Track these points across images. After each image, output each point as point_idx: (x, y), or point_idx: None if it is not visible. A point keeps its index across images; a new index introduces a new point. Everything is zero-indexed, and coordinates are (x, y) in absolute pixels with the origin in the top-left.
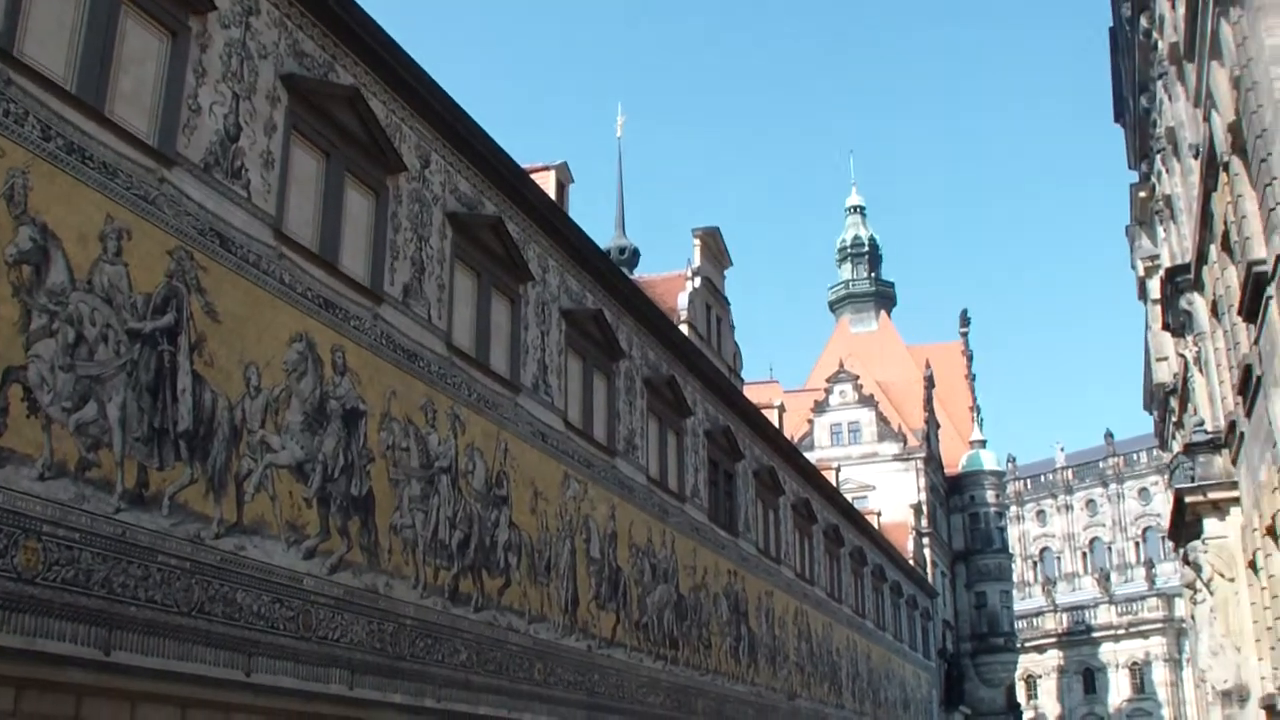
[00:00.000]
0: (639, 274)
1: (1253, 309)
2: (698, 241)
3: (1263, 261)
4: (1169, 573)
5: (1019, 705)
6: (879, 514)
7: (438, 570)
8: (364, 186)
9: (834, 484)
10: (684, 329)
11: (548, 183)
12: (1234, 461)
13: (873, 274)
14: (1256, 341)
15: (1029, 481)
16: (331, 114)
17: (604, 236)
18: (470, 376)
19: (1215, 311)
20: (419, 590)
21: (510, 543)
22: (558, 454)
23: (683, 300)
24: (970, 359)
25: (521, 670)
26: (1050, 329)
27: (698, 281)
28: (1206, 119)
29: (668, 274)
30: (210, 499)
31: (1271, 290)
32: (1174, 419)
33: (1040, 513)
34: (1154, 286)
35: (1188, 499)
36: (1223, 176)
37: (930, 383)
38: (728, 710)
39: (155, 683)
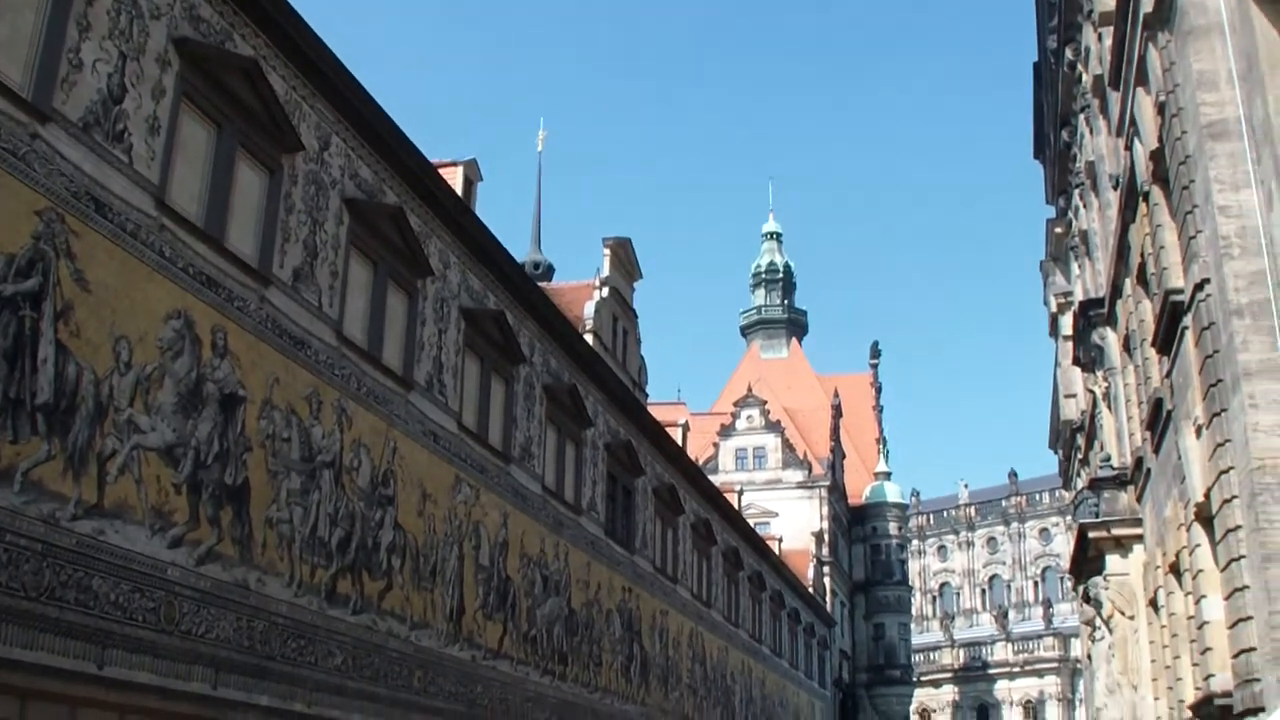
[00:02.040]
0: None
1: (1167, 340)
2: (608, 251)
3: (1180, 291)
4: (1066, 613)
5: None
6: (780, 540)
7: (315, 568)
8: (257, 163)
9: (736, 508)
10: (589, 339)
11: (455, 178)
12: (1139, 499)
13: (786, 301)
14: (1169, 375)
15: (932, 516)
16: (226, 84)
17: (519, 249)
18: (360, 369)
19: (1127, 347)
20: (293, 588)
21: (394, 544)
22: (449, 456)
23: (589, 309)
24: (879, 391)
25: (400, 678)
26: (960, 365)
27: (605, 291)
28: (1129, 147)
29: (576, 282)
30: (69, 478)
31: (1188, 321)
32: (1079, 456)
33: (941, 548)
34: (1066, 322)
35: (1091, 534)
36: (1142, 207)
37: (838, 412)
38: None
39: None
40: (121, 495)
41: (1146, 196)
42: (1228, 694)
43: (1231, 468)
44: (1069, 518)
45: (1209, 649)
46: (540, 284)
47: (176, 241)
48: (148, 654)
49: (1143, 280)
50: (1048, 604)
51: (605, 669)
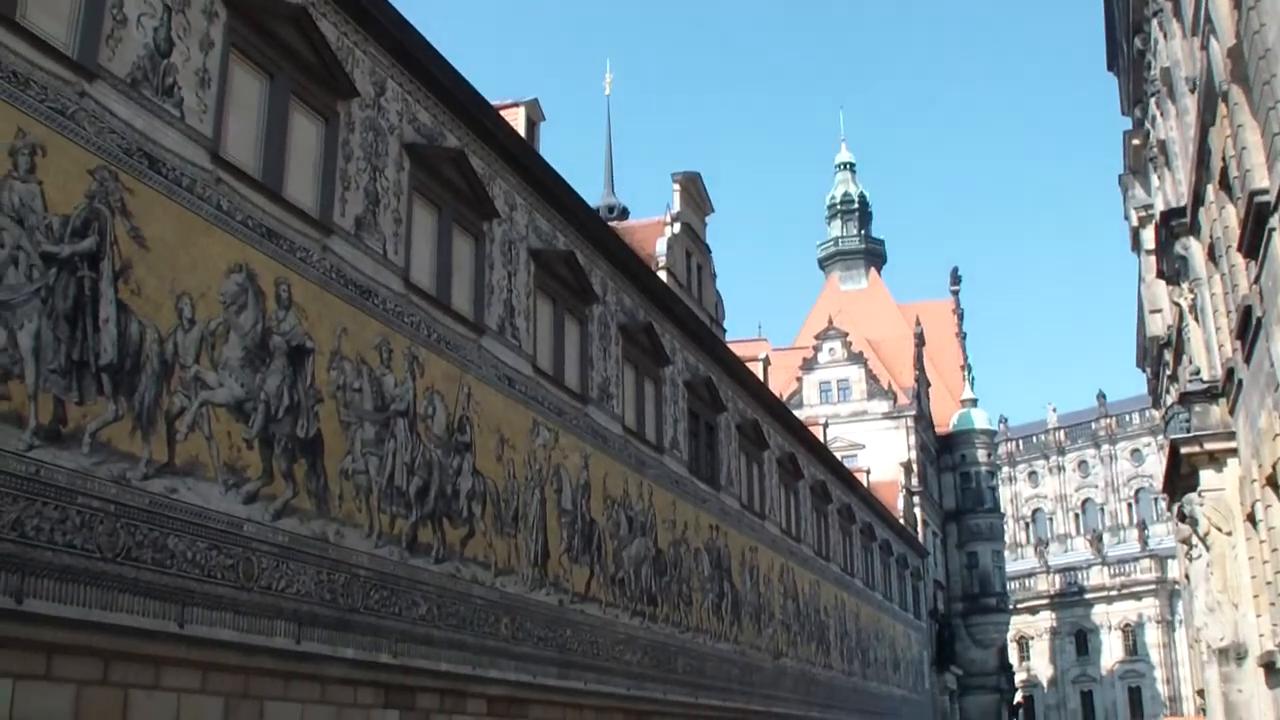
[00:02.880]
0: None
1: (1254, 244)
2: (677, 186)
3: (1265, 191)
4: (1162, 534)
5: (1011, 667)
6: (868, 472)
7: (394, 518)
8: (312, 112)
9: (822, 441)
10: (662, 276)
11: (517, 119)
12: (1231, 411)
13: (862, 231)
14: (1257, 280)
15: (1020, 442)
16: (276, 34)
17: (591, 194)
18: (430, 316)
19: (1212, 255)
20: (373, 539)
21: (474, 491)
22: (525, 400)
23: (661, 246)
24: (961, 317)
25: (487, 625)
26: (1043, 287)
27: (677, 227)
28: (1204, 47)
29: (647, 220)
30: (137, 437)
31: (1275, 222)
32: (1168, 373)
33: (1032, 474)
34: (1148, 236)
35: (1183, 450)
36: (1221, 108)
37: (920, 340)
38: (709, 669)
39: (74, 633)
40: (192, 453)
41: (1225, 97)
42: None
43: None
44: (1160, 437)
45: None
46: (611, 224)
47: (234, 194)
48: (229, 610)
49: (1225, 185)
50: (1142, 526)
51: (696, 608)
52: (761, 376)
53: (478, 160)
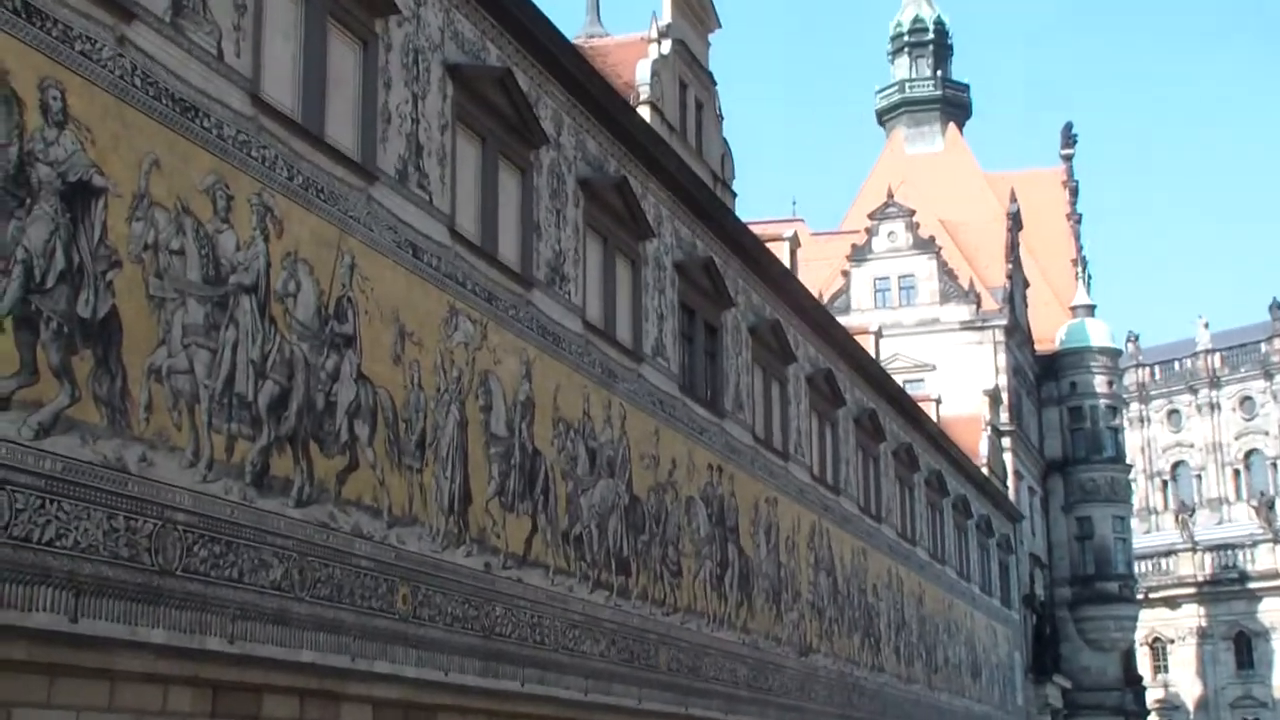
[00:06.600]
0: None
1: None
2: None
3: None
4: None
5: (1141, 679)
6: (939, 402)
7: (233, 441)
8: None
9: (875, 357)
10: (645, 113)
11: None
12: None
13: (939, 72)
14: None
15: (1158, 369)
16: None
17: (570, 22)
18: (291, 150)
19: None
20: (200, 470)
21: (358, 405)
22: (439, 278)
23: (643, 71)
24: (1075, 193)
25: (376, 596)
26: (1192, 157)
27: (666, 46)
28: None
29: (624, 37)
30: None
31: None
32: None
33: (1173, 412)
34: None
35: None
36: None
37: (1016, 223)
38: (706, 668)
39: None
40: None
41: None
42: None
43: None
44: None
45: None
46: (576, 43)
47: None
48: None
49: None
50: None
51: (687, 581)
52: (788, 265)
53: None
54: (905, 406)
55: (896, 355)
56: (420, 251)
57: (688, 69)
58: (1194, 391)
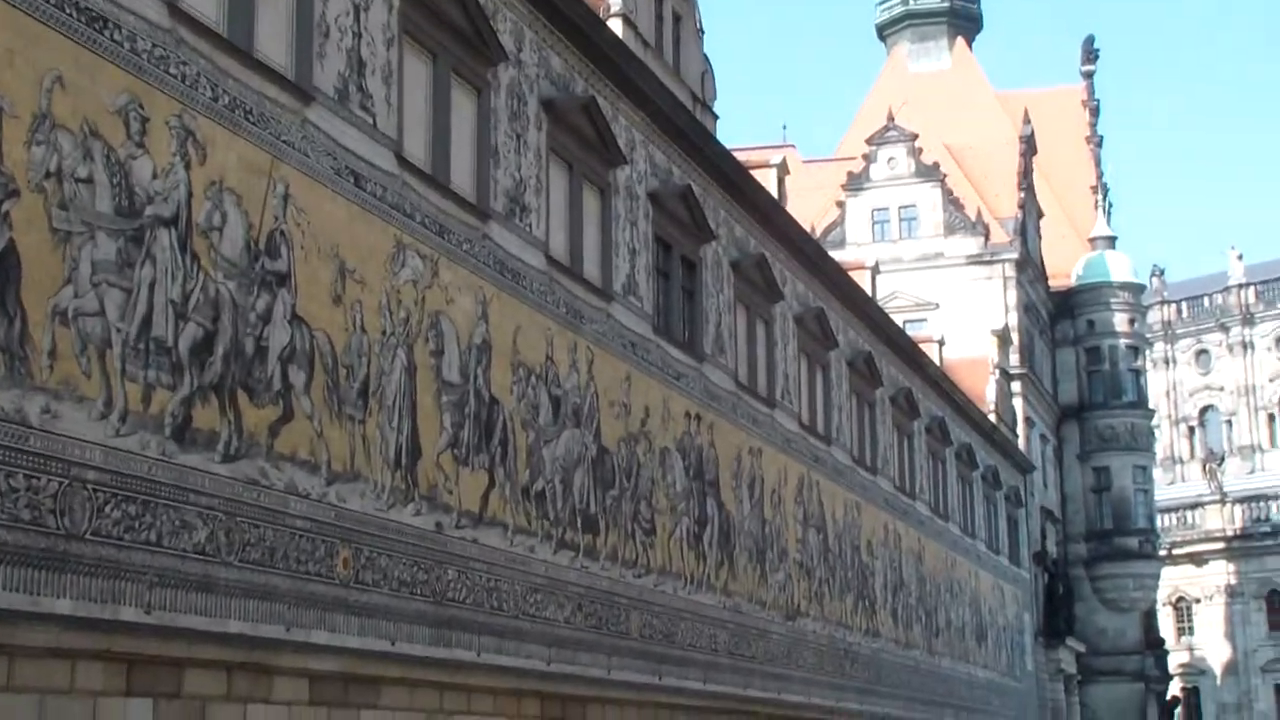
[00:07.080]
0: None
1: None
2: None
3: None
4: None
5: (1163, 642)
6: (942, 343)
7: (150, 389)
8: None
9: (872, 295)
10: (615, 27)
11: None
12: None
13: None
14: None
15: (1185, 305)
16: None
17: None
18: (215, 66)
19: None
20: (112, 422)
21: (293, 350)
22: (383, 209)
23: None
24: (1096, 113)
25: (313, 561)
26: (1223, 76)
27: None
28: None
29: None
30: None
31: None
32: None
33: (1201, 353)
34: None
35: None
36: None
37: (1030, 146)
38: (682, 634)
39: None
40: None
41: None
42: None
43: None
44: None
45: None
46: None
47: None
48: None
49: None
50: None
51: (661, 540)
52: (776, 194)
53: None
54: (904, 348)
55: (895, 293)
56: (363, 180)
57: None
58: (1225, 330)
